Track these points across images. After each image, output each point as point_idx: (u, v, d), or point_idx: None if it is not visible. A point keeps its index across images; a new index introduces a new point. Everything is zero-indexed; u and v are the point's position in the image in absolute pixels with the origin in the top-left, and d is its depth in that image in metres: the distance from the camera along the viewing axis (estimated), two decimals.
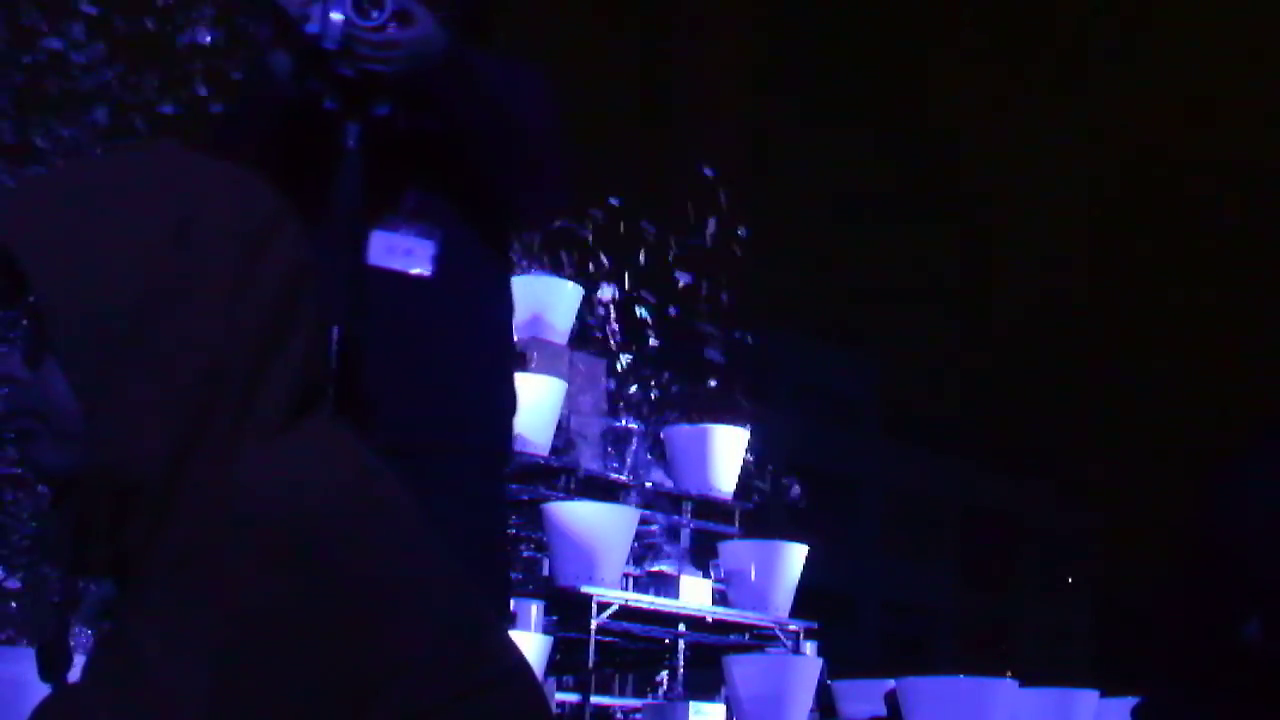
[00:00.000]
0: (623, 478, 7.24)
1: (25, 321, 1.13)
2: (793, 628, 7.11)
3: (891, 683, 6.73)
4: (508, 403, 2.40)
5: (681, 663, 7.19)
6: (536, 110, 2.35)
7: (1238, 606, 1.98)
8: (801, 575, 7.29)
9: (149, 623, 1.02)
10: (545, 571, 6.74)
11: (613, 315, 8.03)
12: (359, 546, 1.03)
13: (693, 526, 7.44)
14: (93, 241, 1.09)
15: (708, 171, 9.04)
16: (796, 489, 8.34)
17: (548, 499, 6.49)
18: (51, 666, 1.13)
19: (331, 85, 2.09)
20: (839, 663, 8.66)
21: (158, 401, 1.08)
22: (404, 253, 2.24)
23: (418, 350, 2.27)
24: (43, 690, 1.12)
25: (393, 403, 2.23)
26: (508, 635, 1.18)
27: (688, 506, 7.43)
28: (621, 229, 8.22)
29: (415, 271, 2.24)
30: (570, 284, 7.02)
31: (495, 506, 2.36)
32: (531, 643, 5.51)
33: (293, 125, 2.16)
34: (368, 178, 2.14)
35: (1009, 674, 6.83)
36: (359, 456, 1.13)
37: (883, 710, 6.73)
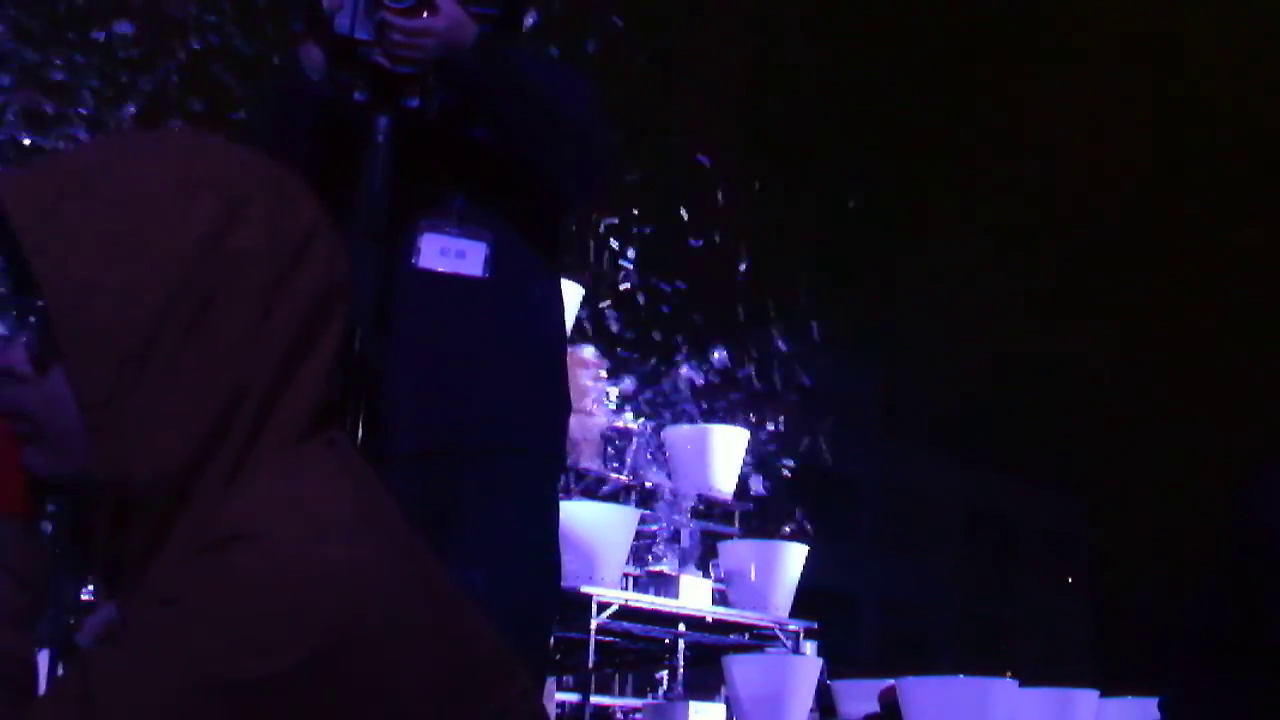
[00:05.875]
0: (623, 478, 7.24)
1: (35, 320, 1.04)
2: (793, 628, 7.11)
3: (888, 682, 6.74)
4: (562, 404, 2.40)
5: (681, 663, 7.19)
6: (575, 97, 2.35)
7: (1272, 605, 1.98)
8: (801, 575, 7.29)
9: (120, 653, 0.96)
10: None
11: (613, 314, 8.03)
12: (356, 589, 0.97)
13: (693, 526, 7.44)
14: (113, 245, 1.00)
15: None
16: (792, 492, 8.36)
17: None
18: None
19: (362, 76, 2.10)
20: (839, 663, 8.66)
21: (169, 420, 1.01)
22: (456, 255, 2.25)
23: (474, 352, 2.27)
24: None
25: (449, 405, 2.24)
26: (509, 657, 1.13)
27: (688, 506, 7.43)
28: (624, 228, 8.22)
29: (468, 274, 2.25)
30: (570, 283, 7.01)
31: (550, 508, 2.36)
32: None
33: (324, 122, 2.17)
34: (411, 180, 2.16)
35: (1009, 674, 6.84)
36: (361, 483, 1.06)
37: (878, 709, 6.75)
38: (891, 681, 6.72)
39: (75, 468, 1.04)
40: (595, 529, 6.25)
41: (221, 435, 1.02)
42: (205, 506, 1.01)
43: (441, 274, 2.24)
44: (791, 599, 7.20)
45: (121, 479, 1.01)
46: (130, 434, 1.00)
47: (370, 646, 0.97)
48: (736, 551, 7.24)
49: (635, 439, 7.59)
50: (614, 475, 7.20)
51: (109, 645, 0.98)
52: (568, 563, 6.32)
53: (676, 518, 7.40)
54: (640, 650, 7.46)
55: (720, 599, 7.15)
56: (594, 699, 7.00)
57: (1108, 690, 7.70)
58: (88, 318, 0.99)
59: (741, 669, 6.56)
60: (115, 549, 1.04)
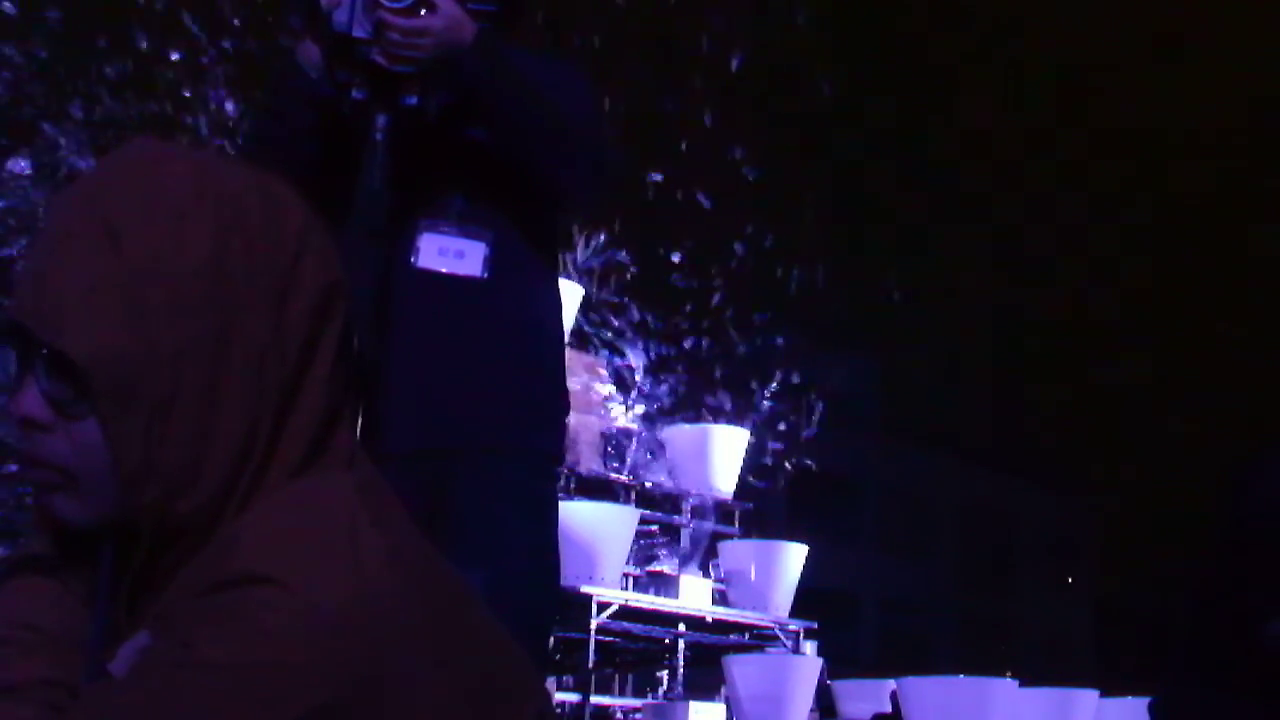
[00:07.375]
0: (623, 478, 7.24)
1: (48, 368, 1.00)
2: (793, 628, 7.11)
3: (894, 683, 6.75)
4: (560, 404, 2.40)
5: (681, 663, 7.19)
6: (574, 97, 2.34)
7: (1262, 605, 1.97)
8: (801, 575, 7.29)
9: (136, 693, 0.95)
10: None
11: (612, 314, 8.03)
12: (373, 636, 0.95)
13: (693, 526, 7.45)
14: (133, 289, 0.98)
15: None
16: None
17: None
18: None
19: (360, 74, 2.09)
20: (839, 663, 8.67)
21: (201, 457, 0.99)
22: (455, 255, 2.24)
23: (472, 352, 2.27)
24: None
25: (448, 405, 2.24)
26: (529, 674, 1.10)
27: (688, 506, 7.43)
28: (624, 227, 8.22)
29: (467, 274, 2.25)
30: (570, 283, 7.01)
31: (549, 508, 2.35)
32: None
33: (323, 120, 2.17)
34: (410, 179, 2.16)
35: (1009, 674, 6.84)
36: (380, 509, 1.03)
37: (887, 707, 6.75)
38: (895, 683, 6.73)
39: (107, 512, 1.02)
40: (595, 529, 6.26)
41: (245, 458, 1.00)
42: (222, 528, 0.99)
43: (441, 274, 2.24)
44: (791, 599, 7.20)
45: (159, 519, 0.99)
46: (166, 476, 0.98)
47: (386, 692, 0.95)
48: (736, 551, 7.24)
49: (635, 439, 7.59)
50: (614, 475, 7.20)
51: (128, 680, 0.97)
52: (568, 563, 6.34)
53: (676, 518, 7.40)
54: (640, 650, 7.47)
55: (720, 599, 7.16)
56: (594, 699, 7.00)
57: (1108, 690, 7.70)
58: (119, 366, 0.97)
59: (741, 669, 6.56)
60: (143, 576, 1.02)
